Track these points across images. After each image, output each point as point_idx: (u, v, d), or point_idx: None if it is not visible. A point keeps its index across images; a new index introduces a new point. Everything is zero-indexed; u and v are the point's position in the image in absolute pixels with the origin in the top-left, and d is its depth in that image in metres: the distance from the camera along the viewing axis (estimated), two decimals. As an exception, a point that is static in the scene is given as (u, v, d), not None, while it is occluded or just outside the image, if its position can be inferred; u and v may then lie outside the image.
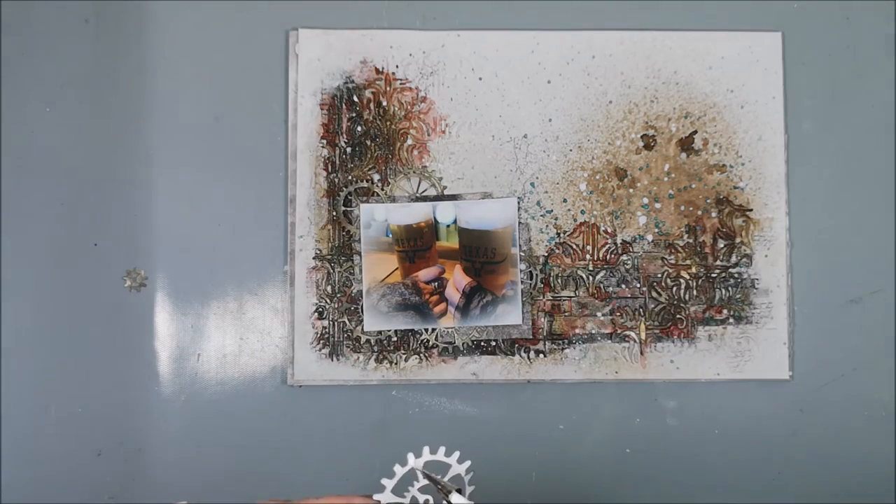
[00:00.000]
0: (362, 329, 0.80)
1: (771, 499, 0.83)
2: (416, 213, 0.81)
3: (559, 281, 0.81)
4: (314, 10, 0.82)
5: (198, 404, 0.81)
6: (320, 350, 0.80)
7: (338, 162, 0.81)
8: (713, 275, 0.82)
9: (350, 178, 0.81)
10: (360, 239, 0.81)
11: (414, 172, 0.81)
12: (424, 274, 0.80)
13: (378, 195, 0.81)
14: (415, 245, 0.81)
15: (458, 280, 0.80)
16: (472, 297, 0.80)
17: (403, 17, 0.83)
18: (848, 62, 0.85)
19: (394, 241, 0.81)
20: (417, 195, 0.81)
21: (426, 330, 0.80)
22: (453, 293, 0.80)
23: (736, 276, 0.82)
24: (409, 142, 0.82)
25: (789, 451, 0.83)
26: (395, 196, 0.81)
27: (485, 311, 0.80)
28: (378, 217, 0.81)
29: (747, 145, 0.83)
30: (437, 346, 0.80)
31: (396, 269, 0.81)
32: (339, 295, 0.80)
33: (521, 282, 0.81)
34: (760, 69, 0.83)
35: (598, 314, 0.81)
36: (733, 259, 0.82)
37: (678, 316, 0.82)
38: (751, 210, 0.82)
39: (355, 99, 0.82)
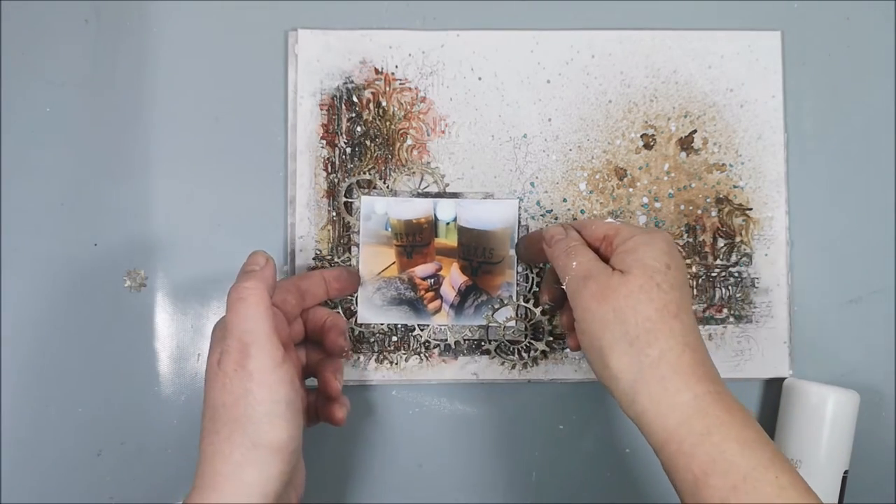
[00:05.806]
0: (356, 321, 0.80)
1: (772, 499, 0.82)
2: (416, 209, 0.81)
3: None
4: (313, 10, 0.82)
5: (198, 404, 0.81)
6: (320, 350, 0.80)
7: (337, 162, 0.81)
8: (713, 274, 0.82)
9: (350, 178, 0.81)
10: (358, 230, 0.80)
11: (416, 169, 0.81)
12: (421, 270, 0.80)
13: (379, 188, 0.81)
14: (413, 240, 0.80)
15: (454, 278, 0.80)
16: (466, 296, 0.80)
17: (403, 17, 0.83)
18: (848, 62, 0.85)
19: (393, 235, 0.81)
20: (419, 191, 0.81)
21: (418, 326, 0.80)
22: (449, 291, 0.80)
23: (736, 275, 0.82)
24: (409, 142, 0.81)
25: (790, 452, 0.83)
26: (396, 190, 0.81)
27: (479, 311, 0.80)
28: (378, 210, 0.81)
29: (747, 144, 0.83)
30: (439, 345, 0.80)
31: (393, 263, 0.80)
32: (338, 295, 0.80)
33: (517, 283, 0.80)
34: (760, 68, 0.83)
35: (598, 314, 0.81)
36: (733, 258, 0.82)
37: (678, 315, 0.81)
38: (750, 209, 0.82)
39: (355, 99, 0.82)
